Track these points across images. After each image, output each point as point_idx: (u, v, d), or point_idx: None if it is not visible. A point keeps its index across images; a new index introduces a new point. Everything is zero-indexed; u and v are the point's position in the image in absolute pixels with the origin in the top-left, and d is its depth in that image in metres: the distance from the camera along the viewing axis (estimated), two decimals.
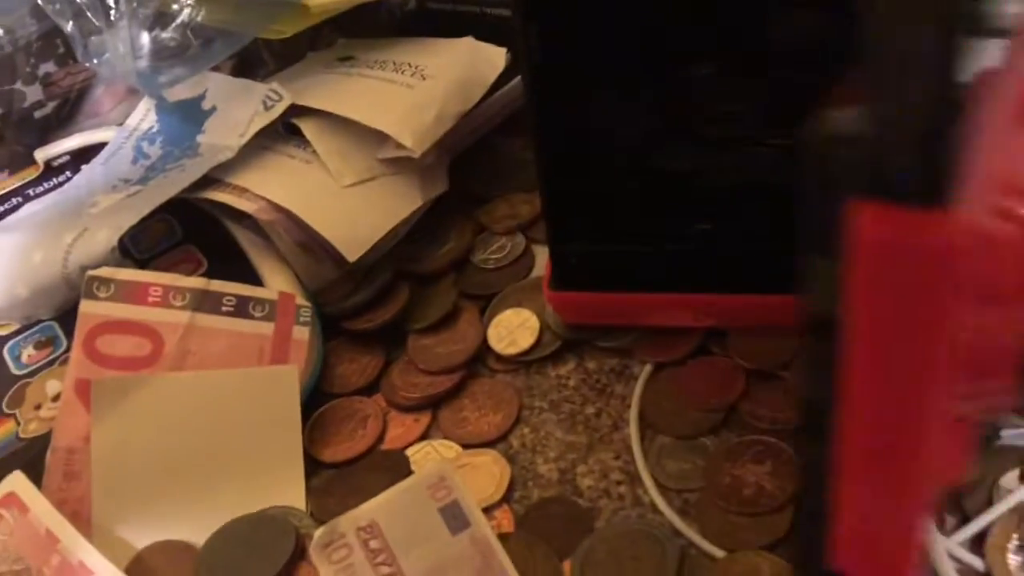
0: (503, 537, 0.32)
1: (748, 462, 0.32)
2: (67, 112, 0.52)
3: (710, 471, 0.33)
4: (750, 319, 0.35)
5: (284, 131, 0.43)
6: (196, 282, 0.37)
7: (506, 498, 0.34)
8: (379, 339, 0.40)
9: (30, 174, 0.50)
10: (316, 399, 0.39)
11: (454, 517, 0.31)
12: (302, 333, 0.38)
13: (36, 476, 0.35)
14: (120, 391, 0.35)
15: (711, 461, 0.33)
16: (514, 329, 0.39)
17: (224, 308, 0.37)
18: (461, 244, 0.43)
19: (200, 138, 0.43)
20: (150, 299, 0.36)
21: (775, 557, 0.30)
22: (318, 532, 0.31)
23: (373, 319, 0.40)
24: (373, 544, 0.31)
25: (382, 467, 0.36)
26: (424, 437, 0.37)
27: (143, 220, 0.38)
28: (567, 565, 0.31)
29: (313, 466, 0.37)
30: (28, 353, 0.41)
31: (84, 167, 0.46)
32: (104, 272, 0.36)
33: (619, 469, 0.34)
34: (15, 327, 0.41)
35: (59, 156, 0.50)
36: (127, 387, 0.35)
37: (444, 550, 0.31)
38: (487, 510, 0.34)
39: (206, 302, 0.37)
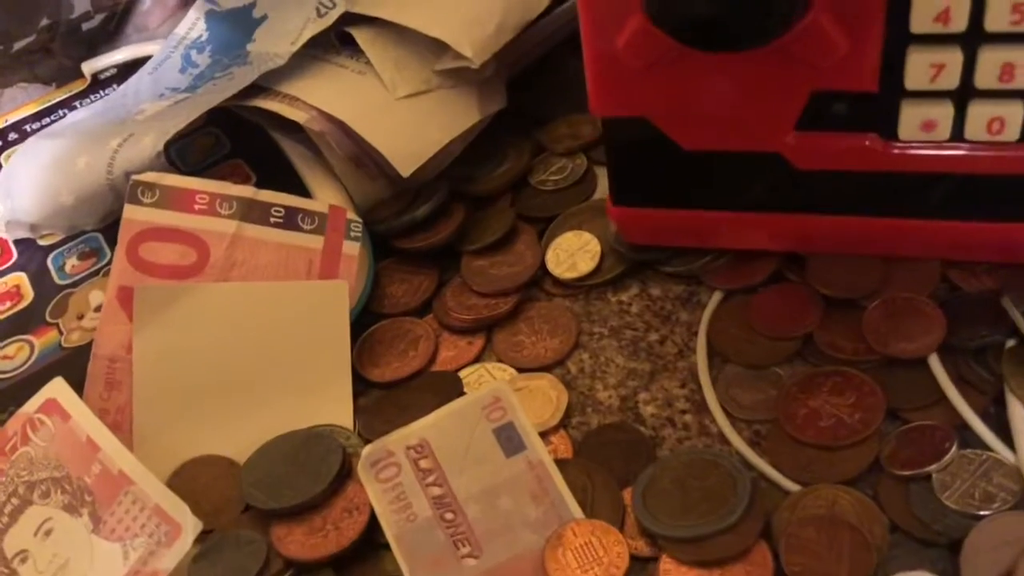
0: (561, 463, 0.30)
1: (826, 393, 0.30)
2: (114, 26, 0.51)
3: (784, 402, 0.30)
4: (834, 244, 0.33)
5: (337, 41, 0.41)
6: (243, 190, 0.35)
7: (563, 423, 0.32)
8: (432, 260, 0.39)
9: (77, 87, 0.49)
10: (366, 319, 0.37)
11: (509, 439, 0.29)
12: (352, 248, 0.36)
13: (78, 386, 0.34)
14: (164, 299, 0.34)
15: (785, 392, 0.31)
16: (574, 252, 0.37)
17: (272, 219, 0.36)
18: (519, 165, 0.41)
19: (250, 47, 0.41)
20: (196, 207, 0.35)
21: (856, 492, 0.28)
22: (366, 450, 0.30)
23: (426, 238, 0.38)
24: (423, 464, 0.29)
25: (433, 388, 0.34)
26: (477, 360, 0.35)
27: (190, 131, 0.37)
28: (627, 493, 0.30)
29: (361, 385, 0.35)
30: (72, 264, 0.39)
31: (131, 78, 0.44)
32: (149, 177, 0.35)
33: (684, 398, 0.32)
34: (59, 237, 0.40)
35: (106, 69, 0.48)
36: (171, 296, 0.34)
37: (498, 472, 0.29)
38: (543, 435, 0.32)
39: (253, 212, 0.35)
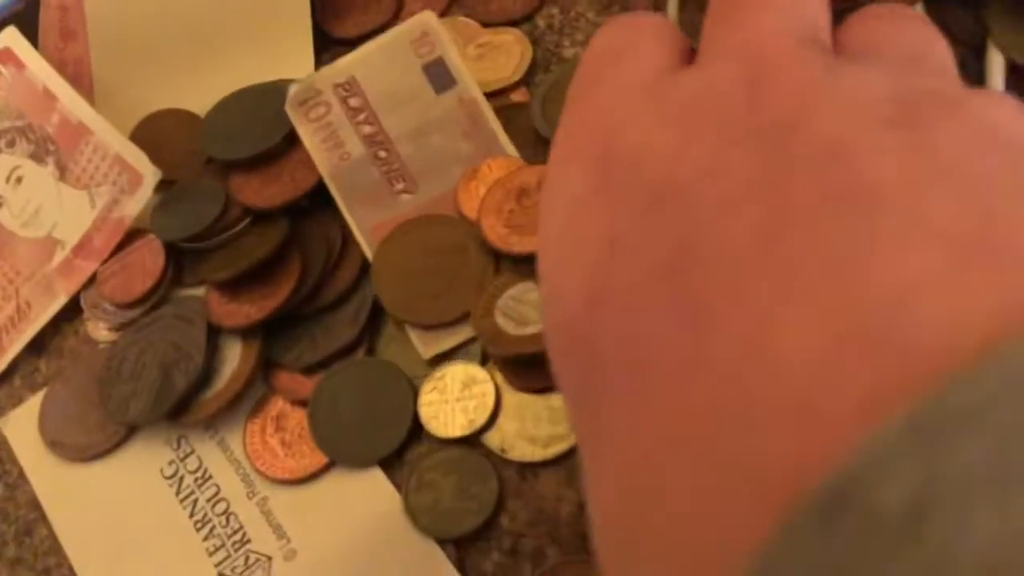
0: (519, 107, 0.30)
1: None
2: None
3: None
4: None
5: None
6: None
7: (525, 81, 0.31)
8: None
9: None
10: None
11: (439, 75, 0.28)
12: None
13: (36, 40, 0.33)
14: None
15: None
16: None
17: None
18: None
19: None
20: None
21: None
22: (292, 89, 0.29)
23: None
24: (353, 102, 0.28)
25: None
26: (444, 15, 0.34)
27: None
28: None
29: (324, 42, 0.34)
30: None
31: None
32: None
33: None
34: None
35: None
36: None
37: (428, 110, 0.28)
38: (503, 91, 0.31)
39: None
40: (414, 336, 0.27)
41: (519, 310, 0.26)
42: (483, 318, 0.26)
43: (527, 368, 0.26)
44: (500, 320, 0.26)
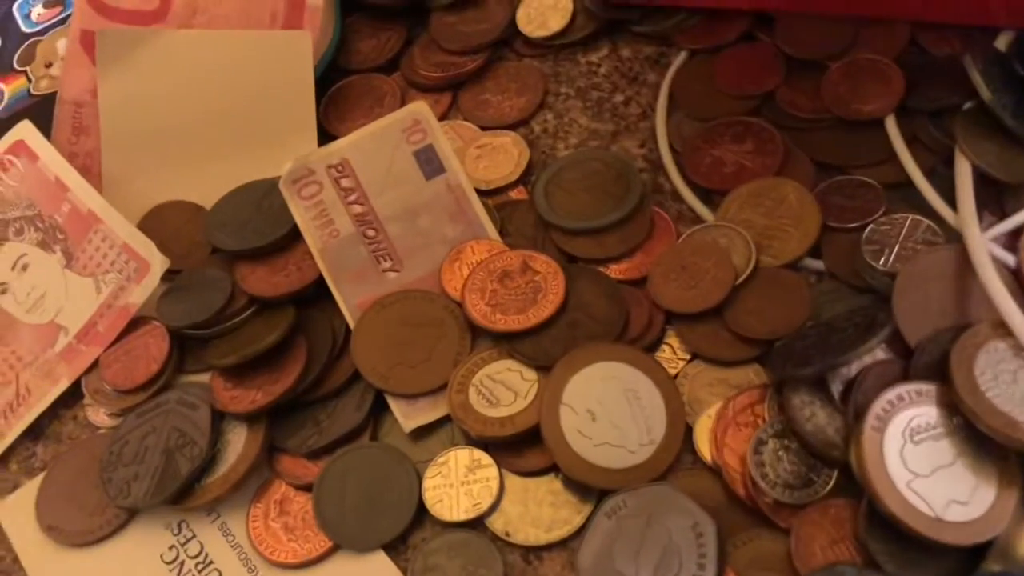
0: (517, 203, 0.31)
1: (727, 142, 0.31)
2: None
3: (689, 154, 0.31)
4: (804, 3, 0.32)
5: None
6: None
7: (522, 180, 0.33)
8: (400, 16, 0.38)
9: None
10: (333, 75, 0.37)
11: (428, 162, 0.30)
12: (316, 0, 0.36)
13: (49, 132, 0.34)
14: (126, 44, 0.33)
15: (690, 144, 0.32)
16: (545, 10, 0.36)
17: None
18: None
19: None
20: None
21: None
22: (286, 167, 0.30)
23: None
24: (344, 183, 0.30)
25: None
26: (443, 118, 0.36)
27: None
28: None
29: (327, 141, 0.35)
30: (38, 12, 0.39)
31: None
32: None
33: (643, 157, 0.33)
34: None
35: None
36: (133, 40, 0.33)
37: (418, 193, 0.30)
38: (501, 189, 0.33)
39: None
40: (396, 408, 0.28)
41: (493, 389, 0.27)
42: (457, 393, 0.27)
43: (515, 450, 0.27)
44: (473, 397, 0.27)
